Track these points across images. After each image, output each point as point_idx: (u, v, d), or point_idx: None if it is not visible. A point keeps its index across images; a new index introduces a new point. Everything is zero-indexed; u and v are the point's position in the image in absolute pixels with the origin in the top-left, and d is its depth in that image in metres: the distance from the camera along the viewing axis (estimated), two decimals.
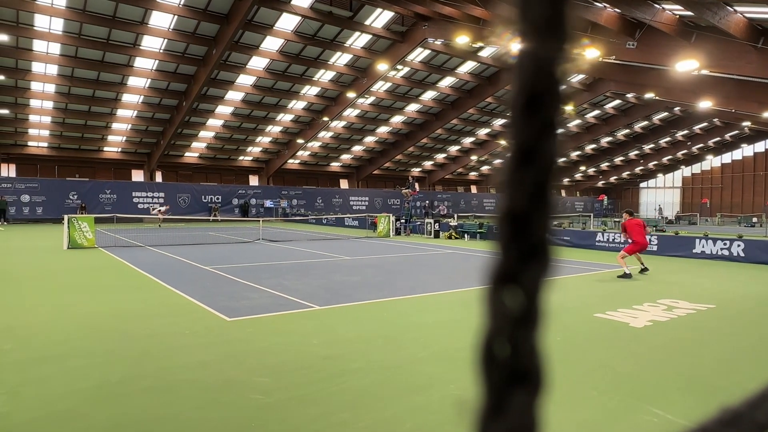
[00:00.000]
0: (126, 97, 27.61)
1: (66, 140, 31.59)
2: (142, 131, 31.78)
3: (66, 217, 15.34)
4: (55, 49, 22.65)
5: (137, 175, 35.50)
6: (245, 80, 27.53)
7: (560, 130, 0.32)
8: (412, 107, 33.95)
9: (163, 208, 28.36)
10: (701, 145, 49.69)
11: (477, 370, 0.31)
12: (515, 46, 0.31)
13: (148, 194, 32.75)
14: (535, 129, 0.31)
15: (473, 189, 53.09)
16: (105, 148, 33.52)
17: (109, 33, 21.88)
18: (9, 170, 31.73)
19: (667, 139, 47.07)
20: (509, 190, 0.32)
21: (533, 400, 0.31)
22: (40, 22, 20.65)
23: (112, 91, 26.56)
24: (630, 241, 10.87)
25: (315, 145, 37.43)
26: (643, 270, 10.93)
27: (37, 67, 23.80)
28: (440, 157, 45.14)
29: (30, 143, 31.58)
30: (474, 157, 44.57)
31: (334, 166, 43.46)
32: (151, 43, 23.13)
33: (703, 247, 14.29)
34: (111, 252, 14.15)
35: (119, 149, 34.00)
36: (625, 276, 10.40)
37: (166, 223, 28.54)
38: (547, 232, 0.32)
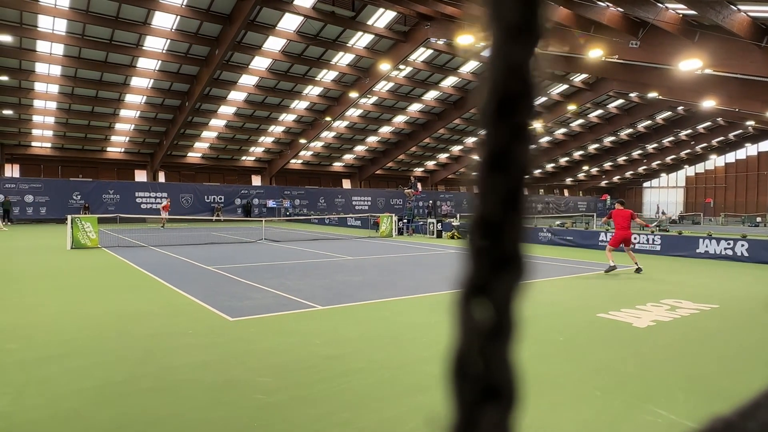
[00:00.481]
0: (129, 98, 27.69)
1: (69, 140, 31.70)
2: (145, 131, 31.86)
3: (69, 217, 15.38)
4: (59, 49, 22.72)
5: (140, 176, 35.60)
6: (248, 80, 27.57)
7: (533, 135, 0.30)
8: (415, 107, 33.93)
9: (165, 202, 28.23)
10: (705, 144, 49.54)
11: (447, 386, 0.30)
12: (486, 46, 0.30)
13: (151, 194, 32.83)
14: (507, 133, 0.30)
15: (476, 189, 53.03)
16: (108, 149, 33.62)
17: (112, 33, 21.94)
18: (13, 171, 31.87)
19: (671, 138, 46.94)
20: (480, 197, 0.30)
21: (506, 416, 0.29)
22: (44, 22, 20.72)
23: (115, 91, 26.65)
24: (612, 232, 11.04)
25: (317, 145, 37.45)
26: (638, 270, 10.91)
27: (40, 67, 23.88)
28: (443, 156, 45.12)
29: (33, 144, 31.70)
30: (476, 157, 44.46)
31: (337, 166, 43.48)
32: (153, 43, 23.19)
33: (706, 246, 14.23)
34: (114, 252, 14.18)
35: (122, 149, 34.10)
36: (611, 269, 10.63)
37: (169, 224, 28.50)
38: (521, 241, 0.30)
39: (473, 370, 0.30)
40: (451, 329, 0.30)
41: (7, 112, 26.50)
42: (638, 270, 10.86)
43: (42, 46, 22.35)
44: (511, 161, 0.30)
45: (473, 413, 0.29)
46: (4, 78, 23.15)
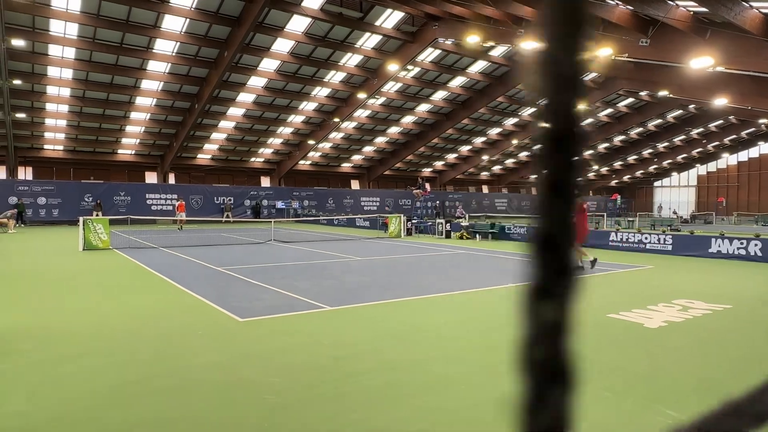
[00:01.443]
0: (139, 100, 27.95)
1: (81, 143, 32.06)
2: (155, 133, 32.13)
3: (81, 219, 15.55)
4: (70, 53, 23.00)
5: (151, 177, 35.91)
6: (256, 82, 27.72)
7: (584, 163, 0.37)
8: (423, 107, 33.91)
9: (177, 203, 28.32)
10: (717, 143, 48.96)
11: (519, 371, 0.38)
12: (540, 92, 0.37)
13: (162, 196, 33.07)
14: (562, 165, 0.37)
15: (484, 189, 52.86)
16: (119, 151, 33.97)
17: (122, 37, 22.17)
18: (26, 173, 32.29)
19: (682, 137, 46.45)
20: (541, 217, 0.37)
21: (568, 395, 0.37)
22: (55, 27, 20.99)
23: (125, 94, 26.91)
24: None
25: (326, 146, 37.55)
26: (594, 261, 11.34)
27: (52, 71, 24.18)
28: (451, 157, 45.02)
29: (46, 146, 32.10)
30: (485, 157, 44.37)
31: (345, 166, 43.55)
32: (163, 46, 23.39)
33: (719, 246, 14.08)
34: (125, 253, 14.32)
35: (133, 152, 34.43)
36: (594, 262, 11.17)
37: (186, 225, 28.46)
38: (570, 253, 0.38)
39: (540, 358, 0.37)
40: (520, 324, 0.38)
41: (20, 115, 26.85)
42: (593, 261, 11.32)
43: (54, 50, 22.62)
44: (566, 188, 0.37)
45: (542, 392, 0.37)
46: (17, 82, 23.46)
